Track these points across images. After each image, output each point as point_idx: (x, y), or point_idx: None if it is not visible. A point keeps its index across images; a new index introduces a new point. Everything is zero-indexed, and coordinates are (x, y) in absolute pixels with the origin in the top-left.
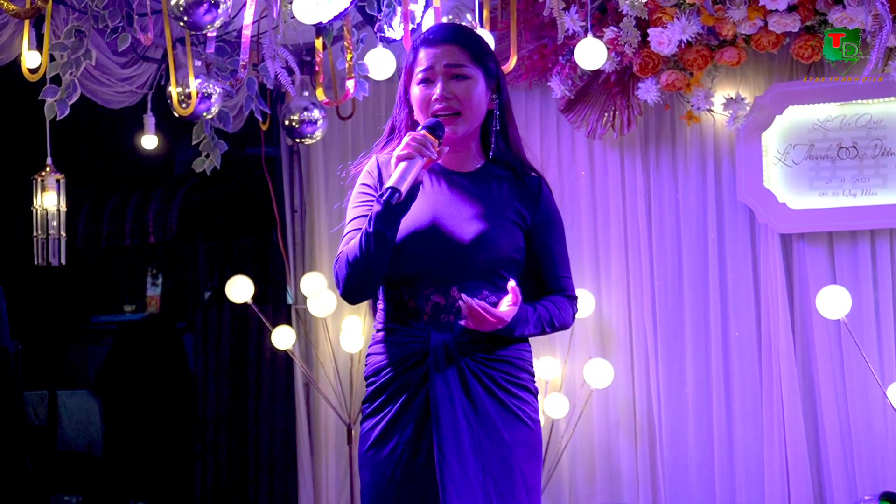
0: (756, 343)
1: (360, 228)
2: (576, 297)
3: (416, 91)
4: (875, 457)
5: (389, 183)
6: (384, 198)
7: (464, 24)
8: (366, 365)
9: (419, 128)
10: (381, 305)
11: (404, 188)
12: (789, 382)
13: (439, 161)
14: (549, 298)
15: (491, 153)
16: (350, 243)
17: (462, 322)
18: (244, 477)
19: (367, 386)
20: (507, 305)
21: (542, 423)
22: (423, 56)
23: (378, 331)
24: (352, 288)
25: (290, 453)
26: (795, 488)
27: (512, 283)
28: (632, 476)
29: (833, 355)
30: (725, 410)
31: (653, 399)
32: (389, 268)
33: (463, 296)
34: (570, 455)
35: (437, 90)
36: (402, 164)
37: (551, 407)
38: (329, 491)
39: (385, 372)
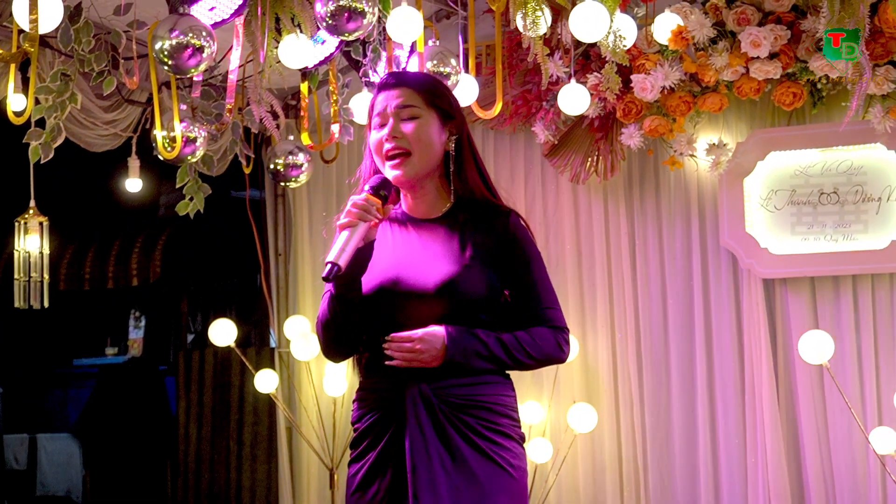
0: (740, 387)
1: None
2: (562, 328)
3: (371, 136)
4: (858, 501)
5: (329, 257)
6: (323, 276)
7: (452, 72)
8: (352, 411)
9: (366, 188)
10: (366, 353)
11: (344, 261)
12: (772, 427)
13: (405, 210)
14: (525, 329)
15: (452, 195)
16: (322, 305)
17: (389, 363)
18: None
19: (354, 431)
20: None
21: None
22: (378, 101)
23: (363, 378)
24: (329, 349)
25: (271, 498)
26: None
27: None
28: None
29: (816, 400)
30: (711, 455)
31: (638, 444)
32: (366, 321)
33: (386, 337)
34: (555, 501)
35: (386, 131)
36: (344, 234)
37: (534, 451)
38: None
39: (367, 418)
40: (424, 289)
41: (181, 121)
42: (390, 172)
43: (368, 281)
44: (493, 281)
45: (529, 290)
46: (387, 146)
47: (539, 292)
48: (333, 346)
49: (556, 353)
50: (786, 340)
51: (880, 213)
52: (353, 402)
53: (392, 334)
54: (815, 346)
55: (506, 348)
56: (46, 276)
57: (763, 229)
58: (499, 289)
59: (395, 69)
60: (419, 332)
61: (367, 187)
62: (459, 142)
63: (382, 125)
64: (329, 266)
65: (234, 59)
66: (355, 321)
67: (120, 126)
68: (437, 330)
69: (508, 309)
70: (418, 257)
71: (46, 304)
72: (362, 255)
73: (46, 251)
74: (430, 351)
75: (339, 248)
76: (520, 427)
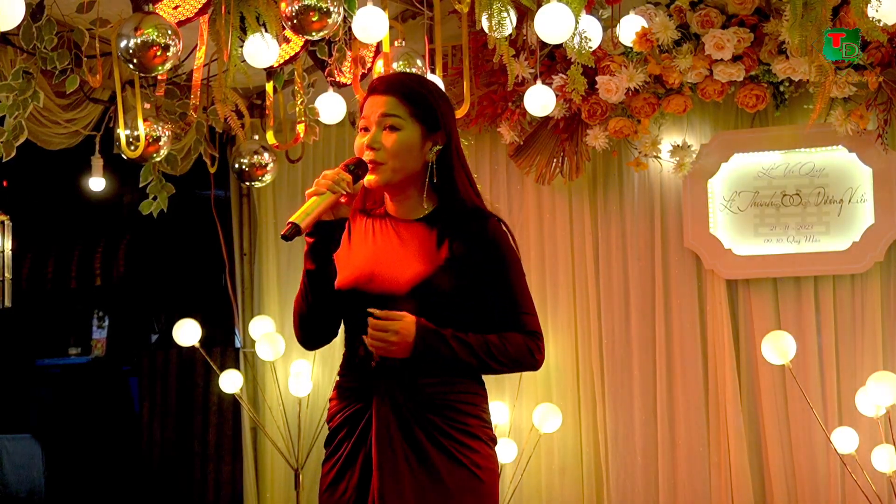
0: (703, 387)
1: None
2: (536, 334)
3: (356, 139)
4: (819, 499)
5: (292, 217)
6: (282, 234)
7: (417, 72)
8: (328, 409)
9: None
10: (344, 352)
11: (305, 223)
12: (735, 426)
13: (386, 209)
14: (498, 334)
15: (431, 201)
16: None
17: (371, 349)
18: None
19: (329, 429)
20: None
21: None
22: (366, 105)
23: (338, 375)
24: (300, 331)
25: (236, 498)
26: None
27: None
28: None
29: (778, 400)
30: (672, 455)
31: (600, 444)
32: (341, 317)
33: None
34: (517, 501)
35: (367, 138)
36: (311, 200)
37: (498, 452)
38: None
39: (338, 416)
40: (397, 287)
41: (145, 119)
42: (367, 176)
43: (344, 275)
44: (467, 284)
45: (505, 294)
46: (366, 154)
47: (514, 297)
48: (303, 328)
49: (526, 359)
50: (748, 341)
51: (842, 214)
52: (330, 399)
53: (380, 312)
54: (778, 347)
55: (472, 350)
56: (8, 276)
57: (726, 231)
58: (473, 292)
59: (360, 69)
60: (398, 325)
61: (343, 165)
62: (447, 151)
63: (366, 130)
64: (289, 225)
65: (199, 58)
66: (324, 304)
67: (79, 125)
68: (411, 326)
69: (484, 312)
70: (394, 255)
71: (8, 304)
72: (331, 230)
73: (8, 250)
74: (401, 344)
75: (303, 211)
76: (490, 428)
